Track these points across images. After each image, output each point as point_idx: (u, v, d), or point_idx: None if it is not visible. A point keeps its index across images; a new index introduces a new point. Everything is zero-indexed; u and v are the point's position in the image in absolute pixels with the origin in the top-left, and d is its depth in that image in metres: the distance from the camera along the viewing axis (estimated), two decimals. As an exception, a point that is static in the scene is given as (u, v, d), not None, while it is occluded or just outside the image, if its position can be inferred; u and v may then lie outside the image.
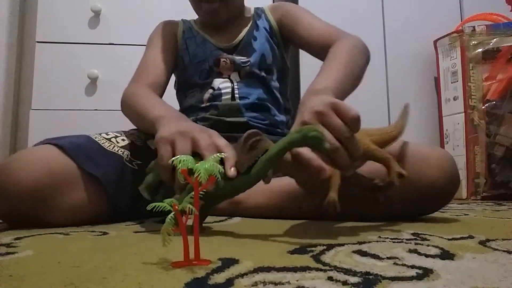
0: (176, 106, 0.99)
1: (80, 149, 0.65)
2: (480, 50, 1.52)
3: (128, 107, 0.81)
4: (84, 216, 0.64)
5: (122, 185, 0.61)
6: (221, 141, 0.55)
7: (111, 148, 0.70)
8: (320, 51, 0.84)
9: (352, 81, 0.70)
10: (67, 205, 0.62)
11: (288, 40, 0.97)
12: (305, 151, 0.45)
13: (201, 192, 0.36)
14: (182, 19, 1.02)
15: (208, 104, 0.90)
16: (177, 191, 0.53)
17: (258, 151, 0.45)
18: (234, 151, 0.50)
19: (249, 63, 0.92)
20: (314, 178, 0.45)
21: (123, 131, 0.78)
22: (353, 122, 0.47)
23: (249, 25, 0.97)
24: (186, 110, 0.94)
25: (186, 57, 0.95)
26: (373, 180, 0.57)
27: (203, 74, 0.93)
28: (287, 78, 1.00)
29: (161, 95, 0.90)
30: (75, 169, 0.63)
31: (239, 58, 0.92)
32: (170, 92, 1.01)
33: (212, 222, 0.67)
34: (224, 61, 0.92)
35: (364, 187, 0.57)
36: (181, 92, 0.99)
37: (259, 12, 1.00)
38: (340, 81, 0.65)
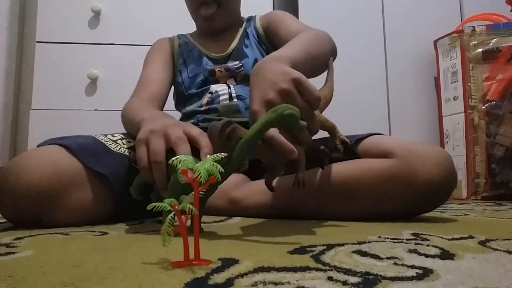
0: (177, 115, 1.00)
1: (86, 149, 0.66)
2: (480, 50, 1.52)
3: (125, 120, 0.81)
4: (88, 216, 0.64)
5: (128, 184, 0.61)
6: (195, 130, 0.56)
7: (117, 149, 0.70)
8: None
9: (311, 60, 0.68)
10: (73, 204, 0.62)
11: (275, 46, 0.98)
12: (277, 136, 0.46)
13: (201, 192, 0.36)
14: (177, 35, 1.05)
15: (207, 107, 0.92)
16: (160, 191, 0.53)
17: (235, 140, 0.46)
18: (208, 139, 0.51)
19: (242, 68, 0.94)
20: (283, 158, 0.48)
21: (128, 133, 0.78)
22: (316, 102, 0.50)
23: (239, 34, 0.99)
24: (187, 116, 0.96)
25: (184, 72, 0.98)
26: (320, 146, 0.65)
27: (199, 85, 0.95)
28: None
29: (161, 108, 0.92)
30: (81, 169, 0.63)
31: (232, 65, 0.94)
32: (171, 102, 1.02)
33: (212, 222, 0.67)
34: (219, 70, 0.94)
35: (313, 150, 0.64)
36: (181, 103, 1.01)
37: (250, 21, 1.02)
38: (298, 55, 0.64)
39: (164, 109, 0.93)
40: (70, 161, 0.63)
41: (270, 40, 0.98)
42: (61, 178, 0.60)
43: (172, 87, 1.01)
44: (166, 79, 0.96)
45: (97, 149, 0.68)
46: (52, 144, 0.65)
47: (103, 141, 0.71)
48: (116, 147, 0.71)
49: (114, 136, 0.74)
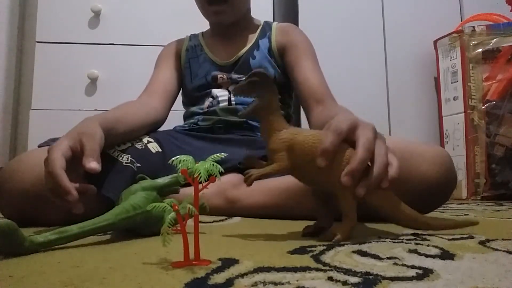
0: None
1: None
2: (480, 50, 1.52)
3: None
4: (83, 215, 0.64)
5: (119, 186, 0.61)
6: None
7: (111, 152, 0.70)
8: (308, 102, 0.89)
9: None
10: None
11: (282, 69, 0.99)
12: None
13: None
14: (191, 34, 1.08)
15: (207, 110, 0.97)
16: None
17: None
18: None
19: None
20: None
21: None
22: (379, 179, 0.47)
23: (250, 44, 1.00)
24: (188, 116, 1.01)
25: (188, 76, 1.02)
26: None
27: (202, 88, 0.99)
28: (289, 90, 1.02)
29: (170, 104, 0.98)
30: None
31: (236, 76, 0.97)
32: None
33: (212, 222, 0.67)
34: (221, 77, 0.98)
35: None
36: (186, 104, 1.06)
37: (266, 29, 1.02)
38: None
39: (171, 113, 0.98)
40: None
41: (282, 59, 0.98)
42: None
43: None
44: (172, 77, 1.01)
45: None
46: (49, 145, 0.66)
47: None
48: (110, 149, 0.71)
49: None
